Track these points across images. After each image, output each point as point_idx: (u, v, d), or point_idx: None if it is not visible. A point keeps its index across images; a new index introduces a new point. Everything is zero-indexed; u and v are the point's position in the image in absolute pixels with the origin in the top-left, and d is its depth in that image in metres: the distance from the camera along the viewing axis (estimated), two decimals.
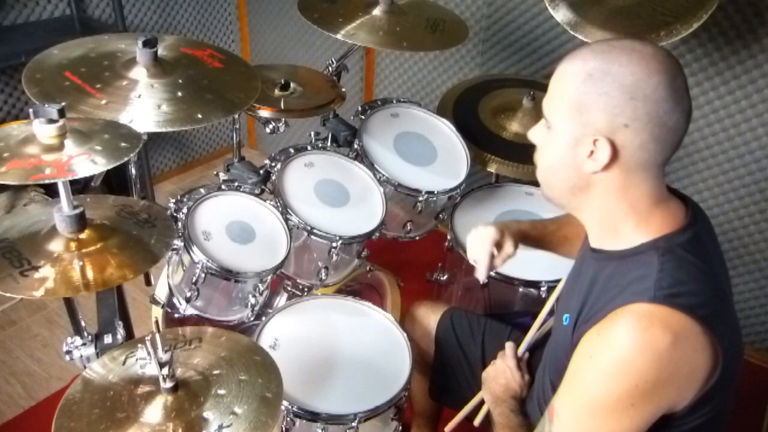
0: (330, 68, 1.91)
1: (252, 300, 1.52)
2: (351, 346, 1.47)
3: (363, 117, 1.81)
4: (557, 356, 1.06)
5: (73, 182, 1.01)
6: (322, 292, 1.68)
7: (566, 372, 0.93)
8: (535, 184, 1.84)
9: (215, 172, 1.79)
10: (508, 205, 1.82)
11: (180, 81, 1.33)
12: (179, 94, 1.30)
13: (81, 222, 1.05)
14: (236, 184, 1.66)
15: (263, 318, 1.50)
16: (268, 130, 1.70)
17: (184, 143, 3.22)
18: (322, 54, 2.87)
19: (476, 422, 1.34)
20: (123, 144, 1.04)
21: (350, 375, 1.40)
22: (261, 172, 1.70)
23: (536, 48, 2.30)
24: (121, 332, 1.24)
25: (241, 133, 3.38)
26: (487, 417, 1.31)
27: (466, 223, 1.73)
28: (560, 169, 0.96)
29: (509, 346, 1.29)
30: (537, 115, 1.95)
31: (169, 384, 0.98)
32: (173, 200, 1.55)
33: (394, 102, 1.91)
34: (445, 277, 1.82)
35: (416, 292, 1.89)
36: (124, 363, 1.08)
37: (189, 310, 1.51)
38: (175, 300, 1.55)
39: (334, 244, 1.56)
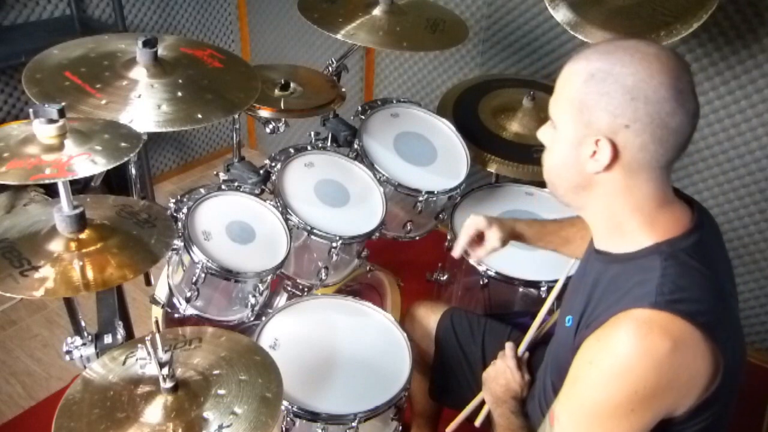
0: (330, 68, 1.91)
1: (252, 300, 1.52)
2: (351, 346, 1.47)
3: (363, 117, 1.81)
4: (559, 357, 1.06)
5: (73, 182, 1.01)
6: (322, 292, 1.68)
7: (567, 376, 0.93)
8: (535, 184, 1.87)
9: (215, 172, 1.79)
10: (508, 205, 1.82)
11: (180, 81, 1.33)
12: (179, 94, 1.30)
13: (81, 222, 1.05)
14: (236, 184, 1.66)
15: (263, 318, 1.50)
16: (268, 130, 1.70)
17: (184, 143, 3.22)
18: (322, 54, 2.87)
19: (477, 423, 1.34)
20: (123, 144, 1.04)
21: (350, 375, 1.40)
22: (261, 172, 1.70)
23: (536, 48, 2.30)
24: (121, 332, 1.24)
25: (241, 133, 3.38)
26: (488, 418, 1.31)
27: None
28: (564, 169, 0.96)
29: (509, 346, 1.29)
30: (537, 115, 1.95)
31: (169, 384, 0.98)
32: (173, 200, 1.55)
33: (394, 102, 1.91)
34: (445, 277, 1.82)
35: (416, 292, 1.89)
36: (124, 363, 1.08)
37: (189, 310, 1.51)
38: (175, 300, 1.55)
39: (334, 244, 1.56)
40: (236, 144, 1.79)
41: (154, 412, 0.97)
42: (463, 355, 1.48)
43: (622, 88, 0.86)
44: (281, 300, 1.76)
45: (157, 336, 0.98)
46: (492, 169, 1.85)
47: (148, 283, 1.66)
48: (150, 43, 1.31)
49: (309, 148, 1.75)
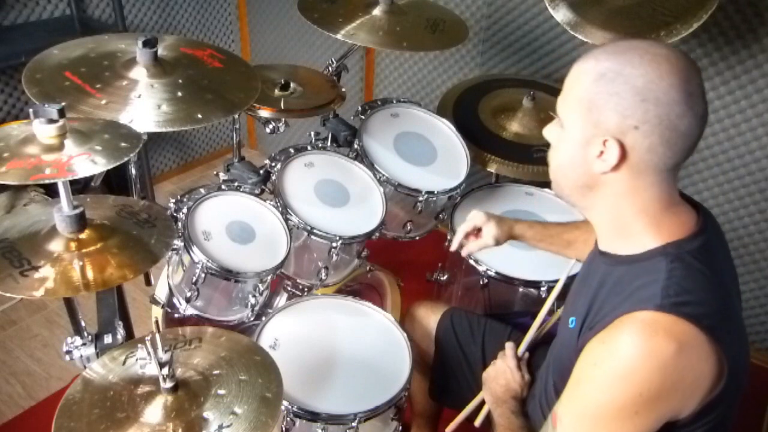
0: (330, 68, 1.91)
1: (252, 300, 1.52)
2: (351, 346, 1.47)
3: (363, 117, 1.81)
4: (561, 358, 1.06)
5: (73, 182, 1.01)
6: (322, 292, 1.68)
7: (570, 378, 0.93)
8: (535, 184, 1.87)
9: (215, 172, 1.79)
10: (508, 205, 1.82)
11: (180, 81, 1.33)
12: (179, 94, 1.30)
13: (81, 222, 1.05)
14: (236, 184, 1.66)
15: (263, 318, 1.50)
16: (268, 130, 1.70)
17: (184, 143, 3.22)
18: (322, 54, 2.87)
19: (477, 423, 1.34)
20: (123, 144, 1.04)
21: (350, 375, 1.40)
22: (261, 172, 1.70)
23: (536, 48, 2.30)
24: (121, 332, 1.24)
25: (241, 133, 3.38)
26: (488, 418, 1.31)
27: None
28: (570, 168, 0.96)
29: (509, 346, 1.29)
30: (537, 115, 1.95)
31: (169, 384, 0.98)
32: (173, 200, 1.55)
33: (394, 102, 1.91)
34: (445, 277, 1.82)
35: (416, 292, 1.89)
36: (124, 363, 1.08)
37: (189, 310, 1.51)
38: (175, 300, 1.55)
39: (334, 244, 1.56)
40: (236, 144, 1.79)
41: (154, 412, 0.97)
42: (463, 355, 1.48)
43: (633, 89, 0.85)
44: (281, 300, 1.76)
45: (157, 336, 0.98)
46: (492, 169, 1.85)
47: (148, 283, 1.66)
48: (150, 43, 1.31)
49: (309, 148, 1.75)
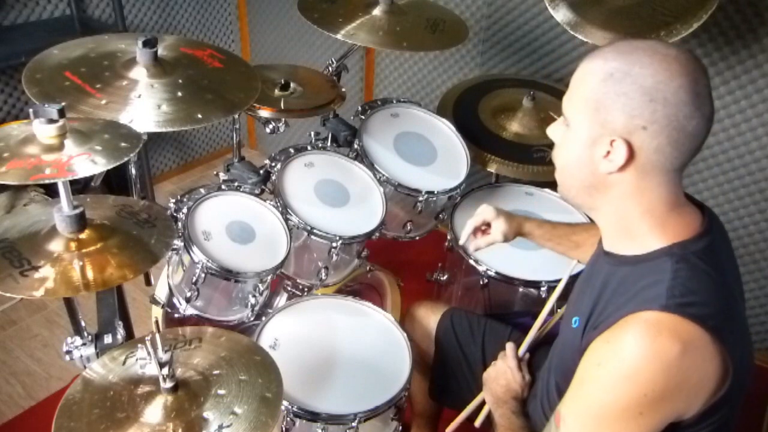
0: (330, 68, 1.91)
1: (252, 300, 1.52)
2: (351, 346, 1.47)
3: (363, 117, 1.81)
4: (564, 358, 1.05)
5: (73, 182, 1.01)
6: (322, 292, 1.68)
7: (574, 378, 0.93)
8: (535, 184, 1.87)
9: (215, 172, 1.78)
10: (508, 205, 1.80)
11: (180, 81, 1.33)
12: (179, 94, 1.30)
13: (81, 222, 1.05)
14: (236, 184, 1.66)
15: (263, 318, 1.50)
16: (268, 130, 1.70)
17: (184, 143, 3.22)
18: (322, 54, 2.87)
19: (477, 423, 1.34)
20: (123, 144, 1.04)
21: (350, 375, 1.40)
22: (261, 172, 1.70)
23: (536, 48, 2.30)
24: (121, 332, 1.24)
25: (241, 133, 3.38)
26: (488, 418, 1.31)
27: (466, 223, 1.73)
28: (576, 168, 0.95)
29: (510, 346, 1.29)
30: (537, 115, 1.95)
31: (169, 384, 0.98)
32: (173, 200, 1.55)
33: (394, 102, 1.91)
34: (445, 277, 1.82)
35: (416, 292, 1.89)
36: (124, 363, 1.08)
37: (189, 310, 1.51)
38: (175, 300, 1.55)
39: (334, 244, 1.56)
40: (236, 144, 1.79)
41: (154, 412, 0.97)
42: (463, 356, 1.48)
43: (641, 89, 0.85)
44: (281, 300, 1.76)
45: (157, 336, 0.98)
46: (492, 169, 1.85)
47: (148, 283, 1.66)
48: (150, 43, 1.31)
49: (309, 148, 1.75)
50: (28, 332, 2.26)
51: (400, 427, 1.44)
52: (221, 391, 1.02)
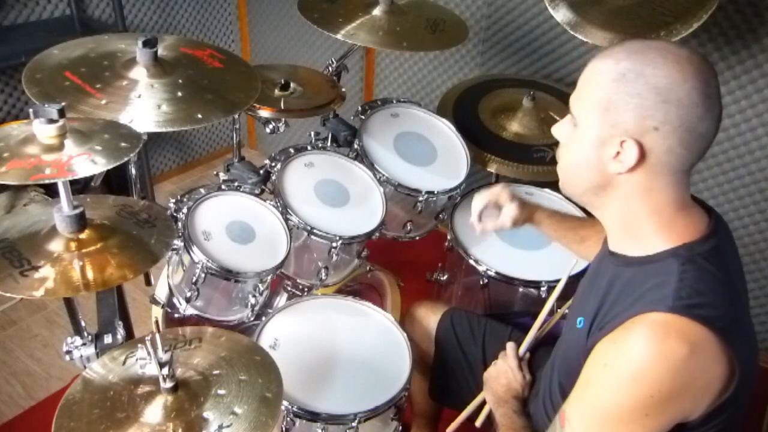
0: (330, 68, 1.91)
1: (252, 300, 1.52)
2: (351, 346, 1.47)
3: (363, 117, 1.81)
4: (568, 358, 1.05)
5: (73, 182, 1.01)
6: (322, 292, 1.68)
7: (579, 378, 0.93)
8: (535, 184, 1.87)
9: (215, 172, 1.79)
10: None
11: (180, 81, 1.33)
12: (179, 94, 1.30)
13: (81, 222, 1.05)
14: (236, 184, 1.66)
15: (263, 318, 1.50)
16: (268, 130, 1.70)
17: (184, 143, 3.22)
18: (322, 54, 2.87)
19: (478, 423, 1.34)
20: (123, 144, 1.04)
21: (350, 375, 1.40)
22: (261, 172, 1.70)
23: (536, 48, 2.30)
24: (121, 332, 1.24)
25: (241, 133, 3.38)
26: (489, 418, 1.31)
27: (466, 223, 1.72)
28: (584, 168, 0.95)
29: (510, 346, 1.29)
30: (537, 115, 1.95)
31: (169, 384, 0.98)
32: (173, 200, 1.55)
33: (394, 102, 1.91)
34: (445, 277, 1.82)
35: (416, 292, 1.89)
36: (124, 363, 1.08)
37: (189, 310, 1.51)
38: (175, 300, 1.55)
39: (334, 244, 1.56)
40: (236, 144, 1.79)
41: (154, 412, 0.97)
42: (463, 356, 1.48)
43: (655, 90, 0.84)
44: (281, 300, 1.76)
45: (157, 336, 0.98)
46: (492, 169, 1.85)
47: (148, 283, 1.66)
48: (150, 43, 1.31)
49: (309, 148, 1.75)
50: (28, 332, 2.26)
51: (400, 427, 1.44)
52: (221, 391, 1.02)
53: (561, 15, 1.70)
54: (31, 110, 0.98)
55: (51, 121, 0.99)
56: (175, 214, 1.51)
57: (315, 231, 1.55)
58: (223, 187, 1.61)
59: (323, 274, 1.62)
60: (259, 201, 1.62)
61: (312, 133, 1.82)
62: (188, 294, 1.47)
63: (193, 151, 3.29)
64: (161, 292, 1.65)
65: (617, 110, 0.87)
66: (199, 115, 1.26)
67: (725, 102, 1.98)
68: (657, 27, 1.56)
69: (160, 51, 1.36)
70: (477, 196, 1.40)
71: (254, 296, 1.52)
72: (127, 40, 1.41)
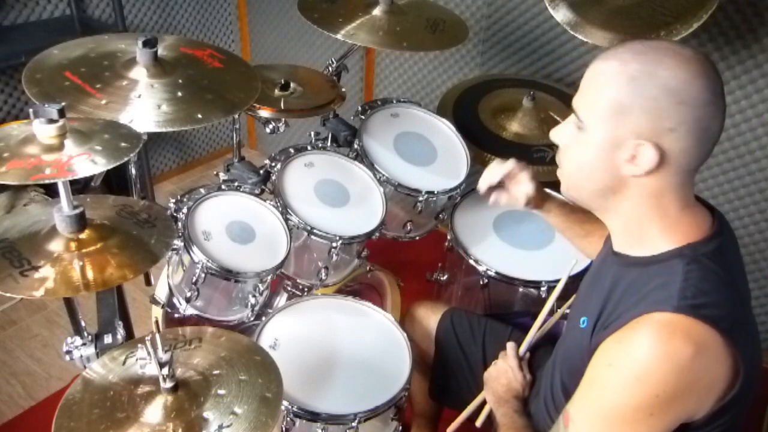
0: (330, 68, 1.91)
1: (252, 300, 1.52)
2: (351, 346, 1.47)
3: (363, 117, 1.81)
4: (571, 358, 1.05)
5: (73, 182, 1.01)
6: (322, 292, 1.68)
7: (583, 378, 0.92)
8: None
9: (215, 172, 1.79)
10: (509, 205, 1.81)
11: (180, 81, 1.33)
12: (179, 94, 1.30)
13: (81, 222, 1.05)
14: (236, 184, 1.66)
15: (263, 318, 1.50)
16: (268, 130, 1.70)
17: (184, 143, 3.22)
18: (322, 54, 2.87)
19: (478, 423, 1.34)
20: (123, 144, 1.04)
21: (350, 375, 1.40)
22: (261, 172, 1.70)
23: (536, 48, 2.30)
24: (121, 332, 1.24)
25: (241, 133, 3.38)
26: (489, 417, 1.31)
27: (466, 223, 1.73)
28: (593, 171, 0.93)
29: (510, 346, 1.29)
30: (537, 115, 1.95)
31: (169, 384, 0.98)
32: (173, 200, 1.55)
33: (394, 102, 1.91)
34: (445, 277, 1.82)
35: (416, 292, 1.89)
36: (124, 363, 1.08)
37: (189, 310, 1.51)
38: (175, 300, 1.55)
39: (334, 244, 1.56)
40: (236, 144, 1.79)
41: (154, 412, 0.97)
42: (463, 356, 1.48)
43: (668, 91, 0.83)
44: (281, 300, 1.76)
45: (157, 336, 0.98)
46: None
47: (148, 283, 1.66)
48: (150, 43, 1.31)
49: (309, 148, 1.75)
50: (28, 332, 2.26)
51: (400, 427, 1.44)
52: (221, 391, 1.02)
53: (561, 15, 1.70)
54: (31, 110, 0.98)
55: (51, 121, 0.99)
56: (175, 214, 1.51)
57: (315, 231, 1.55)
58: (223, 187, 1.61)
59: (323, 274, 1.62)
60: (259, 201, 1.61)
61: (312, 133, 1.82)
62: (188, 294, 1.47)
63: (193, 151, 3.29)
64: (161, 292, 1.65)
65: (630, 112, 0.86)
66: (199, 115, 1.26)
67: (725, 102, 1.98)
68: (657, 27, 1.56)
69: (160, 51, 1.36)
70: (491, 167, 1.33)
71: (254, 296, 1.52)
72: (127, 40, 1.41)
